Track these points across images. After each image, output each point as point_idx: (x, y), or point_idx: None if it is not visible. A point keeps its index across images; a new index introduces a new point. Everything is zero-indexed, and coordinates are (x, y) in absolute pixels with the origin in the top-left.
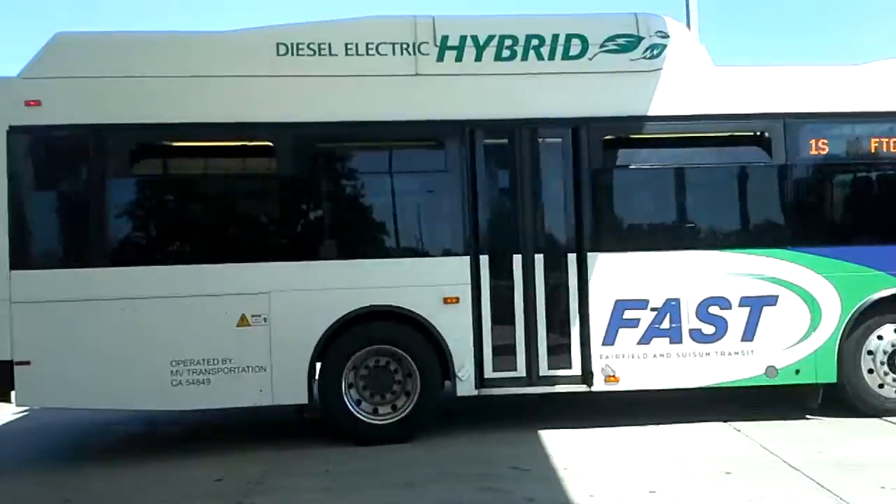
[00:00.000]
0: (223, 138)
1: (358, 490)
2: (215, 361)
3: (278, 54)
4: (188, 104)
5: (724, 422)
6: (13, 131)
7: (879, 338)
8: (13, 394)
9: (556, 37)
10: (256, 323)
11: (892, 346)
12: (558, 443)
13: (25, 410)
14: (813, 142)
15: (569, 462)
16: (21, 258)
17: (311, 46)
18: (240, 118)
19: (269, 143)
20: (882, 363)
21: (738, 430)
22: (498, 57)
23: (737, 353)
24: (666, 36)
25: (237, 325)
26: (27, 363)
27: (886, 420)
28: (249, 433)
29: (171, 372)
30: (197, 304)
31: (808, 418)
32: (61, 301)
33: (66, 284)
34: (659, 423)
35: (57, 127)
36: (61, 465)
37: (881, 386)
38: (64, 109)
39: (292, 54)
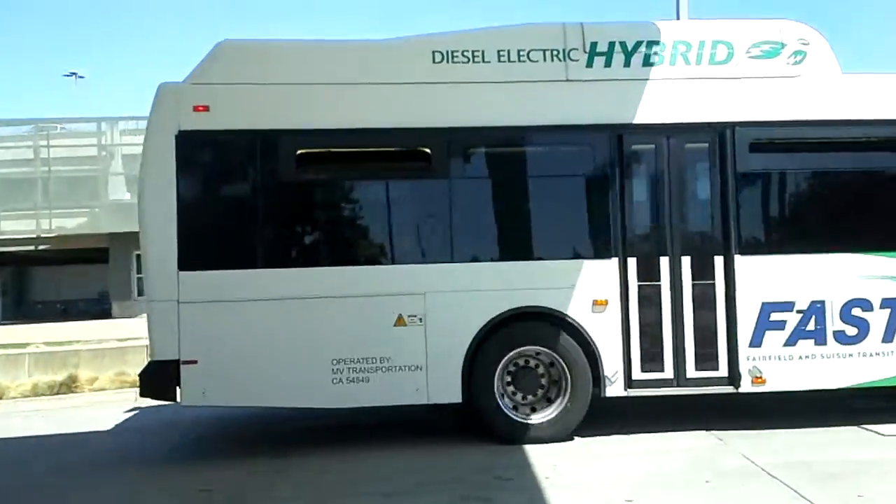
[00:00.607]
0: (382, 143)
1: (335, 499)
2: (374, 360)
3: (434, 62)
4: (348, 110)
5: (707, 430)
6: (182, 135)
7: None
8: (178, 392)
9: (702, 43)
10: (412, 323)
11: None
12: (541, 452)
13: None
14: None
15: (550, 471)
16: (189, 260)
17: (466, 54)
18: (397, 124)
19: (426, 149)
20: None
21: (721, 440)
22: (646, 63)
23: (878, 354)
24: (807, 43)
25: (394, 325)
26: (194, 362)
27: (864, 428)
28: (233, 443)
29: (332, 370)
30: (357, 304)
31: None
32: (227, 301)
33: (231, 285)
34: (641, 433)
35: (225, 132)
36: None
37: None
38: (232, 115)
39: (447, 62)
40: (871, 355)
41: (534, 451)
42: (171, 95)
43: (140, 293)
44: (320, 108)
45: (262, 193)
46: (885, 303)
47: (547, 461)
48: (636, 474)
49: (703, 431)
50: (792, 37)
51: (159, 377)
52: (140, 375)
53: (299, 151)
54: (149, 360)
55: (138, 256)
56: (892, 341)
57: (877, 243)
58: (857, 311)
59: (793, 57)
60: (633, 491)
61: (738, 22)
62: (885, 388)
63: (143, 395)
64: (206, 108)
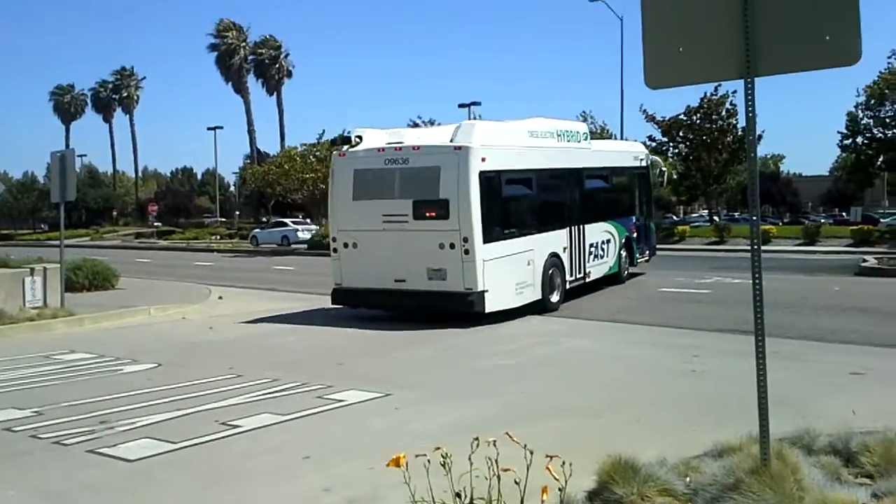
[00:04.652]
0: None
1: None
2: (526, 283)
3: (532, 136)
4: (522, 160)
5: None
6: (481, 174)
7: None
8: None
9: (572, 131)
10: (531, 263)
11: None
12: None
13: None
14: (626, 178)
15: None
16: (485, 238)
17: (550, 133)
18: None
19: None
20: None
21: None
22: (569, 140)
23: (605, 262)
24: (589, 132)
25: (527, 265)
26: (487, 291)
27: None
28: None
29: (516, 289)
30: (520, 255)
31: None
32: (497, 258)
33: (499, 249)
34: None
35: (492, 171)
36: None
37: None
38: (492, 162)
39: (536, 137)
40: (605, 263)
41: None
42: (475, 152)
43: None
44: (521, 159)
45: (503, 203)
46: (605, 240)
47: None
48: None
49: None
50: (585, 128)
51: (479, 299)
52: (470, 299)
53: (514, 180)
54: (470, 290)
55: None
56: (606, 257)
57: (607, 217)
58: (602, 245)
59: (588, 138)
60: None
61: (574, 122)
62: (608, 275)
63: (469, 311)
64: (485, 160)
